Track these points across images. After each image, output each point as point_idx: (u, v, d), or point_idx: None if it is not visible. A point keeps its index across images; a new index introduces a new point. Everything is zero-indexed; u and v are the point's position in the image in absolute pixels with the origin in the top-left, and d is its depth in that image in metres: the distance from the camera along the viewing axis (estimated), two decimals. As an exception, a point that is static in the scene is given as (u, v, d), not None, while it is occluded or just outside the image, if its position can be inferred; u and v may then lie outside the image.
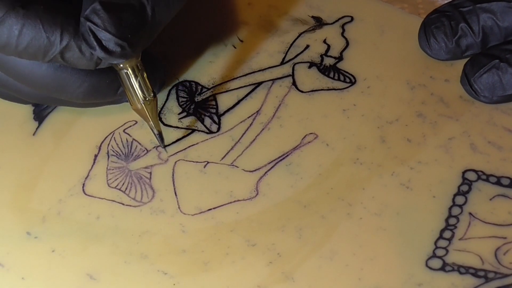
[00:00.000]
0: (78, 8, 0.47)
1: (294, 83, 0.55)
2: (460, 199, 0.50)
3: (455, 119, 0.53)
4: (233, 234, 0.50)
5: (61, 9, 0.47)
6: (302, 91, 0.55)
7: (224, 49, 0.57)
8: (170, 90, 0.55)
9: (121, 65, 0.49)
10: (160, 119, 0.54)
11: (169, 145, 0.53)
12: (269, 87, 0.55)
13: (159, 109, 0.54)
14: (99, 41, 0.46)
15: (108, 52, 0.46)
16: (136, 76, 0.49)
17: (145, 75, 0.50)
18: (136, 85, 0.50)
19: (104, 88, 0.51)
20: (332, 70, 0.56)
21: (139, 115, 0.51)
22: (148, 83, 0.50)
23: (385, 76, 0.55)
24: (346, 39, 0.57)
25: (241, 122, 0.54)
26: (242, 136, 0.53)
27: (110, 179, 0.52)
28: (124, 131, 0.54)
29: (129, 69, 0.49)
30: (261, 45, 0.57)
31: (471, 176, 0.51)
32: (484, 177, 0.51)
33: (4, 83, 0.51)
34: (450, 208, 0.50)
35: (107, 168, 0.52)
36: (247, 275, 0.48)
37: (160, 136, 0.52)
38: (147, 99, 0.50)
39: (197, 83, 0.55)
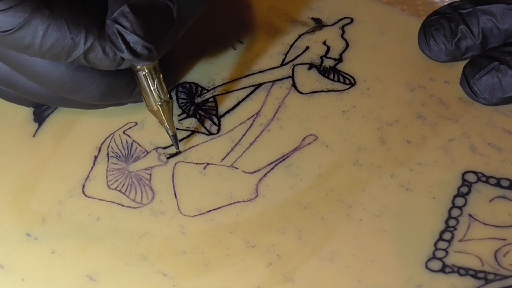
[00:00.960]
0: (101, 9, 0.47)
1: (294, 85, 0.55)
2: (459, 201, 0.50)
3: (454, 121, 0.53)
4: (233, 236, 0.50)
5: (85, 10, 0.47)
6: (302, 93, 0.55)
7: (224, 51, 0.57)
8: (170, 92, 0.55)
9: (139, 67, 0.49)
10: (160, 120, 0.54)
11: (170, 146, 0.53)
12: (269, 89, 0.55)
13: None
14: (127, 44, 0.47)
15: (135, 55, 0.47)
16: (153, 78, 0.50)
17: (161, 77, 0.50)
18: (153, 86, 0.50)
19: (121, 89, 0.51)
20: (332, 71, 0.56)
21: (154, 116, 0.51)
22: (164, 85, 0.50)
23: (385, 78, 0.55)
24: (346, 40, 0.57)
25: (241, 123, 0.54)
26: (242, 137, 0.53)
27: (110, 180, 0.52)
28: (124, 132, 0.54)
29: (147, 71, 0.49)
30: (261, 47, 0.57)
31: (471, 177, 0.51)
32: (483, 178, 0.51)
33: (13, 83, 0.51)
34: (449, 210, 0.50)
35: (107, 169, 0.52)
36: (247, 276, 0.48)
37: (175, 138, 0.52)
38: (163, 100, 0.50)
39: (197, 85, 0.56)
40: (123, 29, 0.46)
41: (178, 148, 0.53)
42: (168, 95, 0.51)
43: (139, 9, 0.47)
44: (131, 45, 0.47)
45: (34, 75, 0.49)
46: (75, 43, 0.47)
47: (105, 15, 0.47)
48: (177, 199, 0.51)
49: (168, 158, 0.53)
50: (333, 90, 0.55)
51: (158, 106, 0.50)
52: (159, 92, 0.50)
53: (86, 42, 0.47)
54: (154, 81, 0.50)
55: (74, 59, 0.47)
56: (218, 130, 0.54)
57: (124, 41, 0.47)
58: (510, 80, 0.52)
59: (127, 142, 0.53)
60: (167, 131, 0.52)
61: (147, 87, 0.50)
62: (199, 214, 0.50)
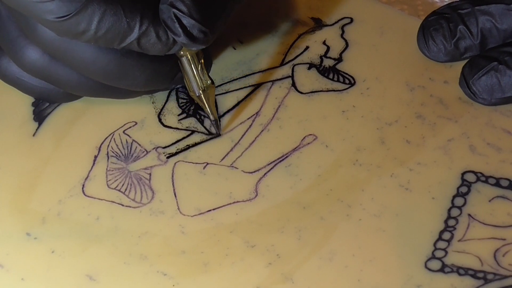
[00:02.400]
0: None
1: (293, 85, 0.55)
2: (459, 201, 0.50)
3: (454, 121, 0.53)
4: (233, 235, 0.50)
5: None
6: (301, 93, 0.55)
7: (224, 51, 0.57)
8: (170, 92, 0.55)
9: (182, 52, 0.50)
10: (160, 120, 0.54)
11: (168, 146, 0.53)
12: (269, 89, 0.55)
13: (159, 110, 0.54)
14: (183, 28, 0.47)
15: (192, 39, 0.47)
16: (196, 63, 0.50)
17: (202, 61, 0.51)
18: (196, 71, 0.51)
19: (164, 75, 0.52)
20: (332, 71, 0.56)
21: (196, 101, 0.52)
22: (205, 70, 0.51)
23: (385, 78, 0.55)
24: (345, 40, 0.57)
25: (240, 123, 0.54)
26: (241, 137, 0.53)
27: (109, 180, 0.52)
28: (124, 132, 0.54)
29: (190, 56, 0.50)
30: (261, 47, 0.57)
31: (470, 177, 0.51)
32: (483, 178, 0.51)
33: (51, 74, 0.51)
34: (449, 210, 0.50)
35: (106, 169, 0.52)
36: (246, 276, 0.48)
37: (216, 123, 0.52)
38: (204, 85, 0.51)
39: (197, 85, 0.56)
40: (180, 13, 0.47)
41: (218, 132, 0.53)
42: (210, 80, 0.51)
43: None
44: (188, 29, 0.47)
45: (80, 63, 0.49)
46: (130, 27, 0.47)
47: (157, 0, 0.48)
48: (176, 199, 0.51)
49: (167, 157, 0.53)
50: (333, 90, 0.55)
51: (201, 91, 0.51)
52: (201, 78, 0.51)
53: (141, 26, 0.47)
54: (197, 66, 0.51)
55: (127, 44, 0.47)
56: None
57: (181, 25, 0.47)
58: (509, 80, 0.52)
59: (127, 142, 0.53)
60: (208, 116, 0.52)
61: (190, 72, 0.51)
62: (199, 214, 0.50)
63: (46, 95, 0.53)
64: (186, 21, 0.47)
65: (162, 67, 0.51)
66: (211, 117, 0.52)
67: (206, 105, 0.52)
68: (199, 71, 0.51)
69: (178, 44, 0.49)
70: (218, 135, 0.53)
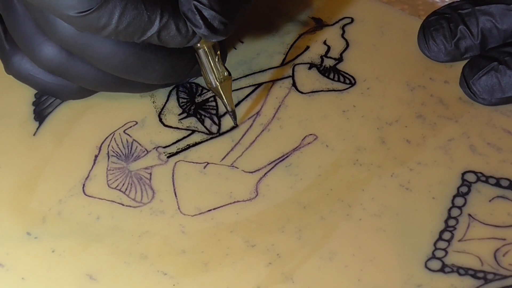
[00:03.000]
0: None
1: (294, 84, 0.55)
2: (459, 201, 0.50)
3: (454, 121, 0.53)
4: (233, 235, 0.50)
5: None
6: (302, 92, 0.55)
7: (224, 50, 0.57)
8: (170, 91, 0.55)
9: (199, 44, 0.50)
10: (161, 119, 0.54)
11: (169, 146, 0.53)
12: (269, 88, 0.55)
13: (159, 109, 0.54)
14: (204, 19, 0.47)
15: (213, 30, 0.48)
16: (213, 55, 0.51)
17: (219, 53, 0.51)
18: (213, 63, 0.51)
19: (182, 68, 0.52)
20: (332, 71, 0.56)
21: (214, 92, 0.52)
22: (222, 62, 0.51)
23: (385, 78, 0.55)
24: (346, 40, 0.57)
25: (241, 123, 0.54)
26: (242, 137, 0.53)
27: (110, 179, 0.52)
28: (124, 131, 0.54)
29: (207, 49, 0.51)
30: (261, 46, 0.57)
31: (471, 177, 0.51)
32: (483, 178, 0.51)
33: (68, 70, 0.51)
34: (449, 210, 0.50)
35: (107, 168, 0.52)
36: (246, 275, 0.48)
37: (233, 114, 0.53)
38: (221, 77, 0.51)
39: (197, 84, 0.56)
40: (200, 5, 0.47)
41: (236, 123, 0.53)
42: (227, 71, 0.51)
43: None
44: (209, 21, 0.48)
45: (99, 58, 0.49)
46: (151, 21, 0.47)
47: None
48: (177, 198, 0.51)
49: (168, 157, 0.53)
50: (333, 90, 0.55)
51: (218, 82, 0.51)
52: (218, 69, 0.51)
53: (162, 19, 0.47)
54: (214, 58, 0.51)
55: (148, 37, 0.48)
56: (218, 130, 0.54)
57: (201, 17, 0.47)
58: (509, 80, 0.52)
59: (127, 141, 0.54)
60: (225, 107, 0.52)
61: (207, 64, 0.51)
62: (199, 214, 0.50)
63: (59, 92, 0.53)
64: (207, 13, 0.47)
65: (180, 59, 0.52)
66: (228, 108, 0.52)
67: (224, 96, 0.52)
68: (216, 63, 0.51)
69: (197, 36, 0.49)
70: (235, 126, 0.53)
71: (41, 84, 0.53)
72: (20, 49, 0.52)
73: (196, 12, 0.47)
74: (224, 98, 0.52)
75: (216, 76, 0.51)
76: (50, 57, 0.50)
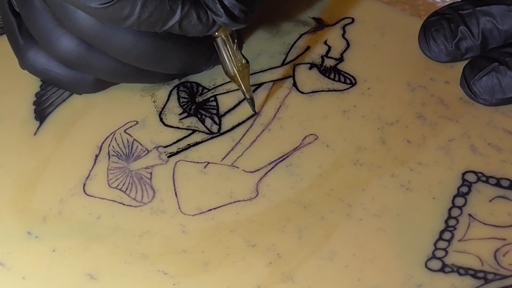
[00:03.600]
0: None
1: (294, 84, 0.55)
2: (459, 201, 0.50)
3: (455, 121, 0.53)
4: (233, 235, 0.50)
5: None
6: (302, 92, 0.55)
7: (225, 50, 0.57)
8: (171, 91, 0.55)
9: (217, 33, 0.51)
10: (161, 119, 0.54)
11: (169, 145, 0.53)
12: (270, 88, 0.55)
13: (160, 109, 0.54)
14: (225, 8, 0.48)
15: (233, 18, 0.48)
16: (231, 43, 0.51)
17: (236, 41, 0.51)
18: (231, 51, 0.51)
19: (201, 57, 0.53)
20: (333, 71, 0.56)
21: (232, 80, 0.53)
22: (239, 51, 0.52)
23: (386, 78, 0.55)
24: (346, 40, 0.57)
25: (241, 123, 0.54)
26: (242, 137, 0.53)
27: (110, 179, 0.52)
28: (125, 131, 0.54)
29: (225, 37, 0.51)
30: (262, 46, 0.57)
31: (471, 177, 0.51)
32: (483, 178, 0.51)
33: (88, 62, 0.51)
34: (449, 210, 0.50)
35: (108, 168, 0.52)
36: (247, 275, 0.48)
37: (252, 101, 0.53)
38: (239, 65, 0.52)
39: (198, 84, 0.56)
40: None
41: (254, 111, 0.54)
42: (244, 59, 0.52)
43: None
44: (229, 9, 0.48)
45: (120, 49, 0.50)
46: (173, 10, 0.47)
47: None
48: (177, 198, 0.51)
49: (168, 157, 0.53)
50: (334, 90, 0.55)
51: (236, 70, 0.52)
52: (236, 57, 0.52)
53: (183, 8, 0.47)
54: (233, 46, 0.51)
55: (169, 27, 0.48)
56: (219, 129, 0.54)
57: (222, 6, 0.48)
58: (510, 81, 0.52)
59: (128, 141, 0.54)
60: (244, 95, 0.53)
61: (225, 53, 0.51)
62: (200, 213, 0.50)
63: (74, 85, 0.54)
64: (227, 1, 0.48)
65: (199, 48, 0.52)
66: (247, 95, 0.53)
67: (242, 84, 0.52)
68: (234, 51, 0.52)
69: (217, 25, 0.49)
70: (254, 113, 0.54)
71: (56, 78, 0.53)
72: (34, 43, 0.52)
73: (217, 1, 0.48)
74: (242, 85, 0.52)
75: (235, 64, 0.52)
76: (70, 49, 0.51)
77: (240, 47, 0.53)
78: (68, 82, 0.53)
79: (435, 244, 0.49)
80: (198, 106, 0.55)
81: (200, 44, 0.52)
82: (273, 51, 0.57)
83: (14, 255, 0.49)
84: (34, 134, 0.54)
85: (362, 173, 0.51)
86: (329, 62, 0.56)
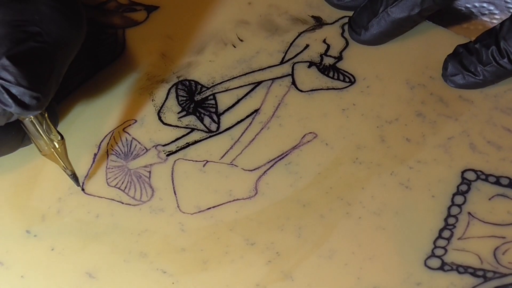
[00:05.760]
0: None
1: (293, 83, 0.55)
2: (459, 199, 0.50)
3: (454, 119, 0.53)
4: (232, 233, 0.50)
5: None
6: (301, 91, 0.55)
7: (224, 49, 0.57)
8: (169, 89, 0.55)
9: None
10: (160, 118, 0.54)
11: (168, 144, 0.53)
12: (269, 87, 0.55)
13: (158, 108, 0.54)
14: (13, 97, 0.44)
15: (24, 107, 0.45)
16: (41, 123, 0.48)
17: (47, 117, 0.48)
18: (42, 131, 0.48)
19: (11, 140, 0.50)
20: (332, 69, 0.56)
21: (49, 159, 0.50)
22: (52, 126, 0.49)
23: (385, 76, 0.55)
24: (345, 39, 0.57)
25: (240, 121, 0.54)
26: (241, 135, 0.53)
27: (109, 178, 0.52)
28: (123, 130, 0.54)
29: (33, 117, 0.48)
30: (261, 44, 0.57)
31: (470, 175, 0.51)
32: (483, 176, 0.51)
33: None
34: (449, 208, 0.50)
35: (106, 167, 0.52)
36: (246, 274, 0.48)
37: (74, 177, 0.51)
38: (54, 142, 0.49)
39: (196, 82, 0.56)
40: (7, 83, 0.44)
41: (79, 185, 0.51)
42: (59, 135, 0.49)
43: (19, 59, 0.44)
44: (18, 98, 0.45)
45: None
46: None
47: None
48: (176, 197, 0.51)
49: (167, 155, 0.53)
50: (333, 88, 0.55)
51: (52, 149, 0.49)
52: (49, 136, 0.49)
53: None
54: (42, 125, 0.48)
55: None
56: (218, 128, 0.54)
57: (10, 95, 0.44)
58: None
59: (126, 140, 0.53)
60: (64, 171, 0.51)
61: (36, 133, 0.48)
62: (199, 212, 0.50)
63: None
64: (15, 90, 0.44)
65: (7, 134, 0.49)
66: (68, 171, 0.51)
67: (61, 161, 0.50)
68: (45, 129, 0.49)
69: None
70: (80, 188, 0.52)
71: None
72: None
73: (4, 91, 0.44)
74: (61, 162, 0.50)
75: (48, 142, 0.49)
76: None
77: (54, 122, 0.50)
78: None
79: (434, 242, 0.49)
80: (197, 104, 0.55)
81: (7, 128, 0.49)
82: (272, 49, 0.57)
83: (13, 253, 0.49)
84: (33, 133, 0.54)
85: (361, 171, 0.51)
86: (328, 61, 0.56)
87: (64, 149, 0.50)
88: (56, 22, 0.46)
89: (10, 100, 0.44)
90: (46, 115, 0.48)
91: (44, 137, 0.49)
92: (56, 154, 0.50)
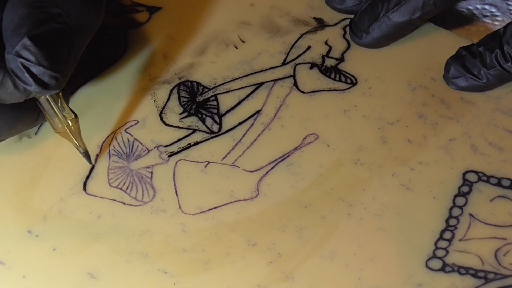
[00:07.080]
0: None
1: (295, 84, 0.55)
2: (460, 200, 0.50)
3: (456, 120, 0.53)
4: (234, 234, 0.50)
5: None
6: (303, 92, 0.55)
7: (225, 50, 0.57)
8: (171, 90, 0.55)
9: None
10: (162, 118, 0.54)
11: (170, 145, 0.53)
12: (271, 88, 0.55)
13: (160, 109, 0.54)
14: (34, 76, 0.45)
15: (44, 86, 0.45)
16: (55, 101, 0.49)
17: (61, 97, 0.49)
18: (56, 109, 0.49)
19: (26, 118, 0.50)
20: (333, 71, 0.56)
21: (63, 137, 0.51)
22: (66, 105, 0.50)
23: (386, 77, 0.55)
24: (347, 40, 0.57)
25: (242, 122, 0.54)
26: (243, 136, 0.53)
27: (111, 178, 0.52)
28: (125, 130, 0.54)
29: (48, 96, 0.48)
30: (262, 46, 0.57)
31: (472, 177, 0.51)
32: (484, 178, 0.51)
33: None
34: (450, 209, 0.50)
35: (108, 167, 0.53)
36: (247, 274, 0.48)
37: (86, 154, 0.52)
38: (68, 120, 0.50)
39: (198, 83, 0.56)
40: (28, 62, 0.45)
41: (90, 163, 0.52)
42: (73, 114, 0.50)
43: (40, 39, 0.45)
44: (38, 77, 0.45)
45: None
46: None
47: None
48: (178, 197, 0.51)
49: (169, 156, 0.53)
50: (335, 90, 0.55)
51: (66, 127, 0.50)
52: (63, 113, 0.50)
53: None
54: (57, 104, 0.49)
55: None
56: (219, 129, 0.54)
57: (30, 74, 0.45)
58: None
59: (128, 140, 0.54)
60: (77, 149, 0.51)
61: (51, 111, 0.49)
62: (200, 212, 0.51)
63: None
64: (35, 69, 0.45)
65: (23, 111, 0.50)
66: (81, 149, 0.51)
67: (74, 139, 0.51)
68: (59, 108, 0.49)
69: None
70: (91, 165, 0.52)
71: None
72: None
73: (24, 70, 0.45)
74: (74, 141, 0.51)
75: (62, 120, 0.50)
76: None
77: (66, 100, 0.51)
78: None
79: (435, 243, 0.49)
80: (199, 105, 0.55)
81: (24, 106, 0.49)
82: (273, 50, 0.57)
83: (15, 254, 0.49)
84: (35, 134, 0.54)
85: (362, 173, 0.51)
86: (330, 62, 0.56)
87: (78, 127, 0.51)
88: (77, 4, 0.47)
89: (30, 79, 0.45)
90: (60, 94, 0.49)
91: (59, 114, 0.49)
92: (69, 132, 0.50)
